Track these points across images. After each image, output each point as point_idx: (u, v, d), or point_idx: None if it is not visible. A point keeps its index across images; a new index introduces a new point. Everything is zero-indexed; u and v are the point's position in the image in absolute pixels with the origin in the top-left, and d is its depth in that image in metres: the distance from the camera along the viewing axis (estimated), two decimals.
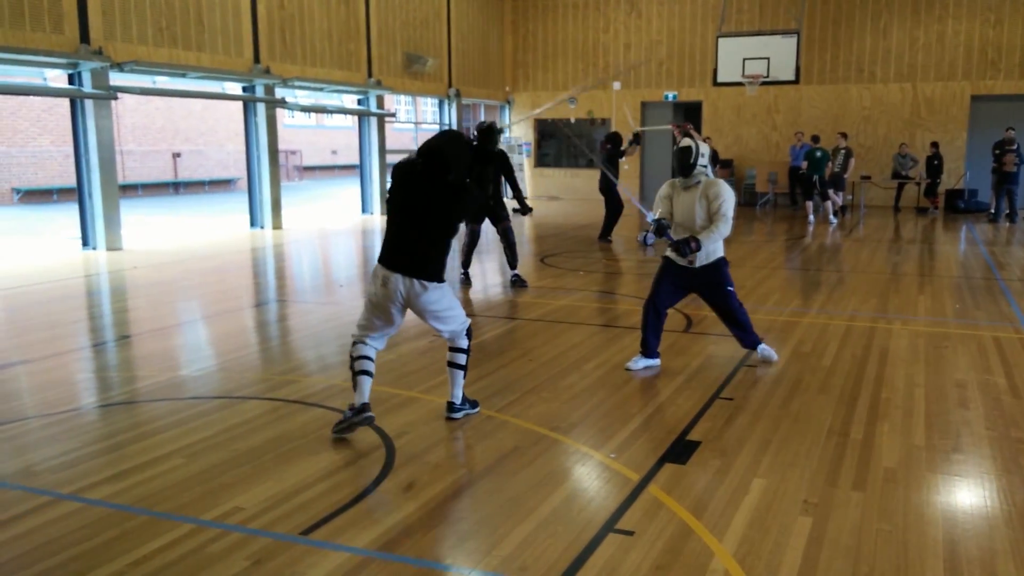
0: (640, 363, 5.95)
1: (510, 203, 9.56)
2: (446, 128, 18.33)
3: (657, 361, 6.00)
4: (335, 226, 16.17)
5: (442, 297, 4.61)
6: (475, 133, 7.57)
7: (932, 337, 6.90)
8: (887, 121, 19.70)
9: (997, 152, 16.34)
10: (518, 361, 6.16)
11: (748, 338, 6.06)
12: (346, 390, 5.42)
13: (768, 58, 16.89)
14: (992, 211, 16.74)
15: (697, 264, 5.80)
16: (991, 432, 4.67)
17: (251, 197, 15.40)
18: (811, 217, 16.50)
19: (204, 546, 3.36)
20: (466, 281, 9.57)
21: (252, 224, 15.36)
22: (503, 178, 9.30)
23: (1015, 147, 16.08)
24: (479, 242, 9.66)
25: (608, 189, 12.81)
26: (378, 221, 17.05)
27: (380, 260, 4.59)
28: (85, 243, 12.30)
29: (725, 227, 5.63)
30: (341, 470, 4.13)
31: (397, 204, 4.57)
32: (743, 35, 18.13)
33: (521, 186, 22.24)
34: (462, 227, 4.81)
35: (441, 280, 4.60)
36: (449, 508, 3.72)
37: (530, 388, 5.47)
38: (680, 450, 4.38)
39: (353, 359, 4.69)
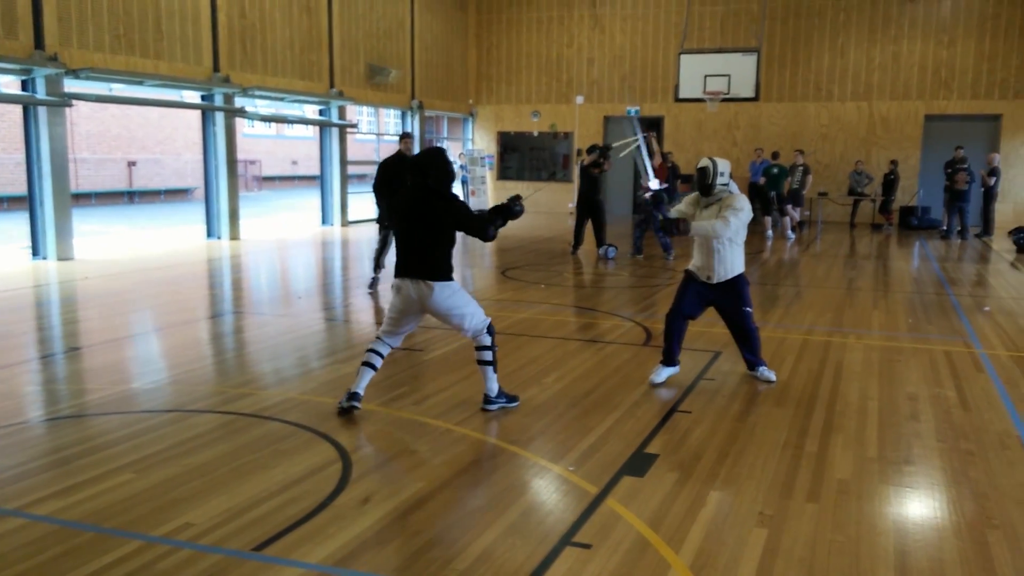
0: (663, 373, 5.94)
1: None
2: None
3: (677, 369, 6.03)
4: (294, 237, 16.02)
5: (452, 295, 5.00)
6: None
7: (885, 351, 7.01)
8: (844, 139, 20.09)
9: (949, 171, 16.75)
10: (477, 375, 6.07)
11: (753, 359, 6.06)
12: (302, 403, 5.38)
13: (729, 75, 17.11)
14: (944, 228, 17.12)
15: (715, 280, 5.81)
16: (941, 444, 4.75)
17: (208, 207, 15.17)
18: (769, 232, 16.73)
19: (153, 563, 3.28)
20: (372, 285, 9.69)
21: (209, 234, 15.13)
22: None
23: (966, 166, 16.49)
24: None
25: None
26: (338, 233, 16.93)
27: (395, 272, 5.11)
28: (35, 253, 12.02)
29: (721, 227, 5.62)
30: (296, 484, 4.07)
31: (398, 218, 5.08)
32: (704, 52, 18.36)
33: (483, 199, 22.33)
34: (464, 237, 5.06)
35: (447, 279, 4.98)
36: (406, 522, 3.68)
37: None
38: (638, 463, 4.39)
39: (366, 350, 5.28)
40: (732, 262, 5.80)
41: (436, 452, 4.54)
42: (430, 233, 4.95)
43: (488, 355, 5.17)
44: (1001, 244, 15.67)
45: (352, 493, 3.97)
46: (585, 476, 4.20)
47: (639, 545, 3.47)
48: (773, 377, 6.01)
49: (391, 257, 5.55)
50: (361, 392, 5.19)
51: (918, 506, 3.95)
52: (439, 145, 5.10)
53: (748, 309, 5.94)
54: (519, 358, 6.60)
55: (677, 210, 6.01)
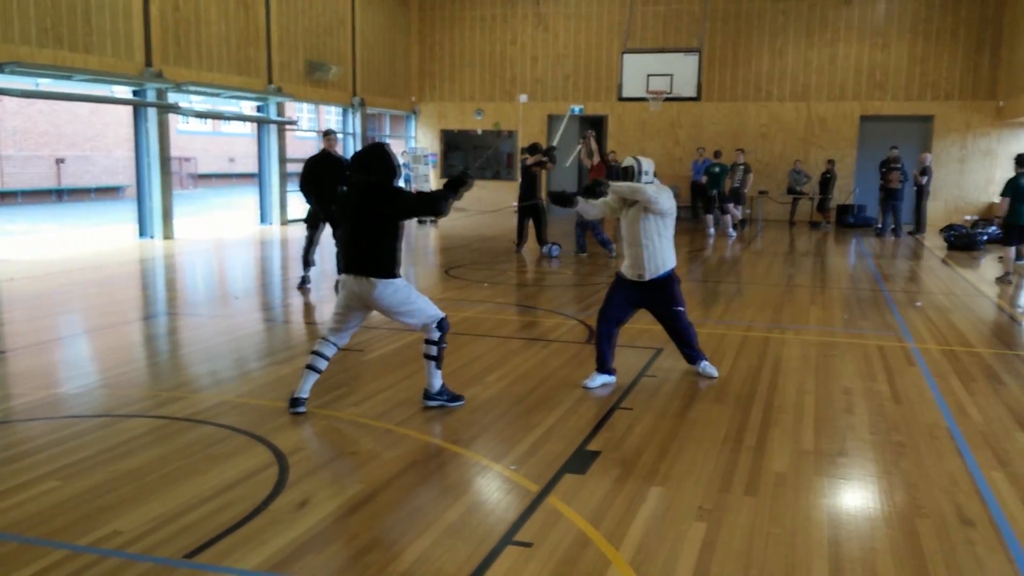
0: (597, 380, 5.82)
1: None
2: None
3: (613, 378, 5.88)
4: (231, 236, 15.70)
5: (396, 291, 4.95)
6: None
7: (822, 346, 7.15)
8: (783, 138, 20.49)
9: (883, 170, 17.20)
10: (418, 374, 6.03)
11: (692, 354, 6.09)
12: (238, 406, 5.26)
13: (671, 75, 17.31)
14: (879, 226, 17.58)
15: (647, 277, 5.77)
16: (874, 436, 4.85)
17: (140, 205, 14.72)
18: (711, 230, 16.97)
19: (79, 573, 3.16)
20: (302, 284, 9.64)
21: (141, 234, 14.70)
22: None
23: (900, 165, 16.96)
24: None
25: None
26: (277, 231, 16.64)
27: (337, 268, 5.14)
28: None
29: (640, 190, 5.56)
30: (230, 489, 3.96)
31: (341, 214, 5.08)
32: (647, 52, 18.54)
33: None
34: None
35: (390, 276, 4.92)
36: (345, 525, 3.62)
37: None
38: (580, 460, 4.39)
39: (310, 352, 5.25)
40: (663, 257, 5.77)
41: (376, 453, 4.48)
42: (372, 229, 4.90)
43: (433, 350, 5.13)
44: (933, 241, 16.15)
45: (289, 497, 3.88)
46: (527, 474, 4.18)
47: (580, 542, 3.46)
48: (715, 372, 6.06)
49: (327, 255, 5.57)
50: (303, 396, 5.13)
51: (851, 497, 4.02)
52: (381, 140, 5.16)
53: (680, 308, 5.95)
54: (461, 357, 6.55)
55: (603, 202, 5.90)
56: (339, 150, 9.73)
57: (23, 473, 4.11)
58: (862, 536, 3.57)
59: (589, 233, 13.16)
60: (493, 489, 4.05)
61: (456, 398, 5.31)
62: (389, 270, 4.93)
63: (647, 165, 5.81)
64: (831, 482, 4.17)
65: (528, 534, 3.53)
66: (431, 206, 4.96)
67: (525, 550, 3.39)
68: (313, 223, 9.48)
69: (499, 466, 4.31)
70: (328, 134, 9.61)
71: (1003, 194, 10.86)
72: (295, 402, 5.10)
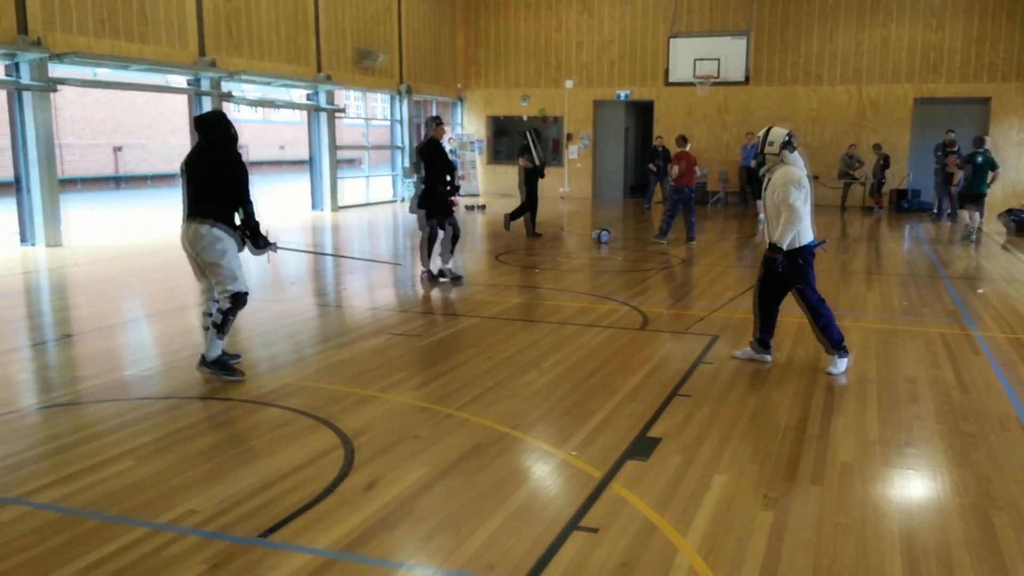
0: (747, 353, 6.11)
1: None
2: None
3: (768, 356, 6.06)
4: (284, 223, 15.89)
5: (213, 244, 5.24)
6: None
7: (881, 334, 7.03)
8: (834, 122, 20.10)
9: (939, 154, 16.79)
10: (476, 359, 6.11)
11: (827, 343, 5.89)
12: (301, 389, 5.34)
13: (719, 59, 17.08)
14: (935, 211, 17.18)
15: (779, 256, 5.72)
16: (941, 426, 4.77)
17: None
18: (761, 215, 16.70)
19: (159, 550, 3.25)
20: (439, 276, 9.65)
21: None
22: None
23: (956, 149, 16.54)
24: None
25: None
26: (328, 217, 16.82)
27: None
28: (23, 239, 11.89)
29: (790, 214, 5.56)
30: (299, 470, 4.04)
31: (187, 172, 5.40)
32: (694, 36, 18.30)
33: (474, 184, 22.24)
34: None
35: (214, 225, 5.22)
36: (412, 507, 3.67)
37: (489, 386, 5.43)
38: (641, 447, 4.39)
39: (203, 313, 5.60)
40: (788, 237, 5.64)
41: (438, 437, 4.52)
42: (207, 181, 5.27)
43: (219, 318, 5.38)
44: (991, 226, 15.73)
45: (356, 479, 3.95)
46: (589, 460, 4.19)
47: (646, 529, 3.46)
48: (837, 370, 5.76)
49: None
50: (206, 355, 5.49)
51: (921, 488, 3.96)
52: (220, 109, 5.67)
53: (801, 287, 5.84)
54: (516, 343, 6.58)
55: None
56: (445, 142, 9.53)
57: (98, 453, 4.23)
58: (935, 528, 3.52)
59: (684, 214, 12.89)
60: (555, 475, 4.07)
61: (231, 371, 5.47)
62: (218, 217, 5.22)
63: (773, 135, 5.70)
64: (899, 472, 4.11)
65: (594, 520, 3.54)
66: (247, 194, 5.32)
67: (591, 536, 3.40)
68: (435, 212, 9.25)
69: (561, 452, 4.32)
70: (438, 123, 9.29)
71: (962, 164, 13.33)
72: (203, 359, 5.49)
